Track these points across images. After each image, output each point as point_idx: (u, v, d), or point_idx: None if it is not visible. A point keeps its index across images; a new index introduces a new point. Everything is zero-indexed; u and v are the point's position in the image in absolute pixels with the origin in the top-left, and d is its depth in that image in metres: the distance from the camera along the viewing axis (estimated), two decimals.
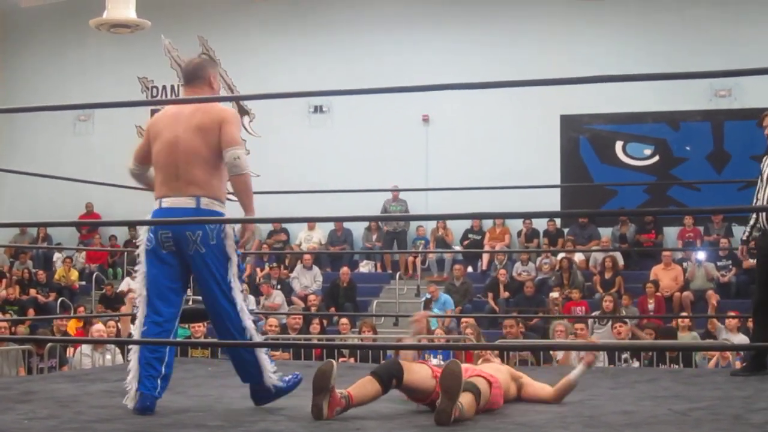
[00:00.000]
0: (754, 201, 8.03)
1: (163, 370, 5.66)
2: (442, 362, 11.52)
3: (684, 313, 16.23)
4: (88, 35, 20.64)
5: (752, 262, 12.41)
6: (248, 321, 5.80)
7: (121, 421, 5.28)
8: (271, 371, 5.86)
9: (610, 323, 14.85)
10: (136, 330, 5.78)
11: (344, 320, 16.04)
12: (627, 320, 14.62)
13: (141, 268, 5.87)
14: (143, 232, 5.90)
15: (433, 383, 5.45)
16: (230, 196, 5.95)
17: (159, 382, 5.64)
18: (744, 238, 8.15)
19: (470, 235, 20.82)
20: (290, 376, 6.07)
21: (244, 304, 5.84)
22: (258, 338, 5.91)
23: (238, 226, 5.90)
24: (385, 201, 20.96)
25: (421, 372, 5.56)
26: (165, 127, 5.87)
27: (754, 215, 7.94)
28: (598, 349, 12.85)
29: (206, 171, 5.75)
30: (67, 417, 5.41)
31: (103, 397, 6.43)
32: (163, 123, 5.92)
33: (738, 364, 11.26)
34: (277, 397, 5.93)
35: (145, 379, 5.61)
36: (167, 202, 5.78)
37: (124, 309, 16.07)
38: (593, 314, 16.22)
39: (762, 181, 7.77)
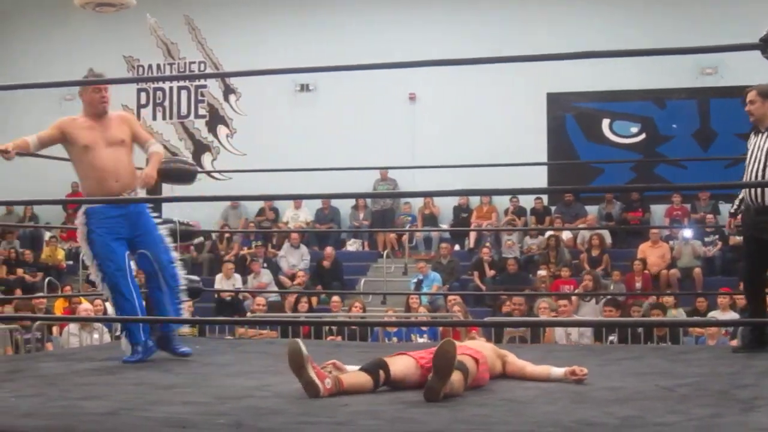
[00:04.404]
0: (745, 177, 7.98)
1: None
2: (427, 341, 11.58)
3: (669, 291, 16.24)
4: (73, 14, 20.56)
5: (739, 239, 12.47)
6: None
7: (107, 398, 5.27)
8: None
9: (593, 300, 14.93)
10: None
11: (336, 298, 16.09)
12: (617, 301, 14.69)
13: None
14: None
15: (419, 372, 5.45)
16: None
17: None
18: (732, 211, 8.10)
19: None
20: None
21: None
22: None
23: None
24: (375, 181, 20.95)
25: (405, 361, 5.57)
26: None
27: (743, 191, 7.91)
28: (585, 326, 12.93)
29: None
30: (54, 395, 5.41)
31: (90, 375, 6.44)
32: None
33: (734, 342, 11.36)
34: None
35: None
36: None
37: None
38: (577, 292, 16.28)
39: (749, 157, 7.74)
